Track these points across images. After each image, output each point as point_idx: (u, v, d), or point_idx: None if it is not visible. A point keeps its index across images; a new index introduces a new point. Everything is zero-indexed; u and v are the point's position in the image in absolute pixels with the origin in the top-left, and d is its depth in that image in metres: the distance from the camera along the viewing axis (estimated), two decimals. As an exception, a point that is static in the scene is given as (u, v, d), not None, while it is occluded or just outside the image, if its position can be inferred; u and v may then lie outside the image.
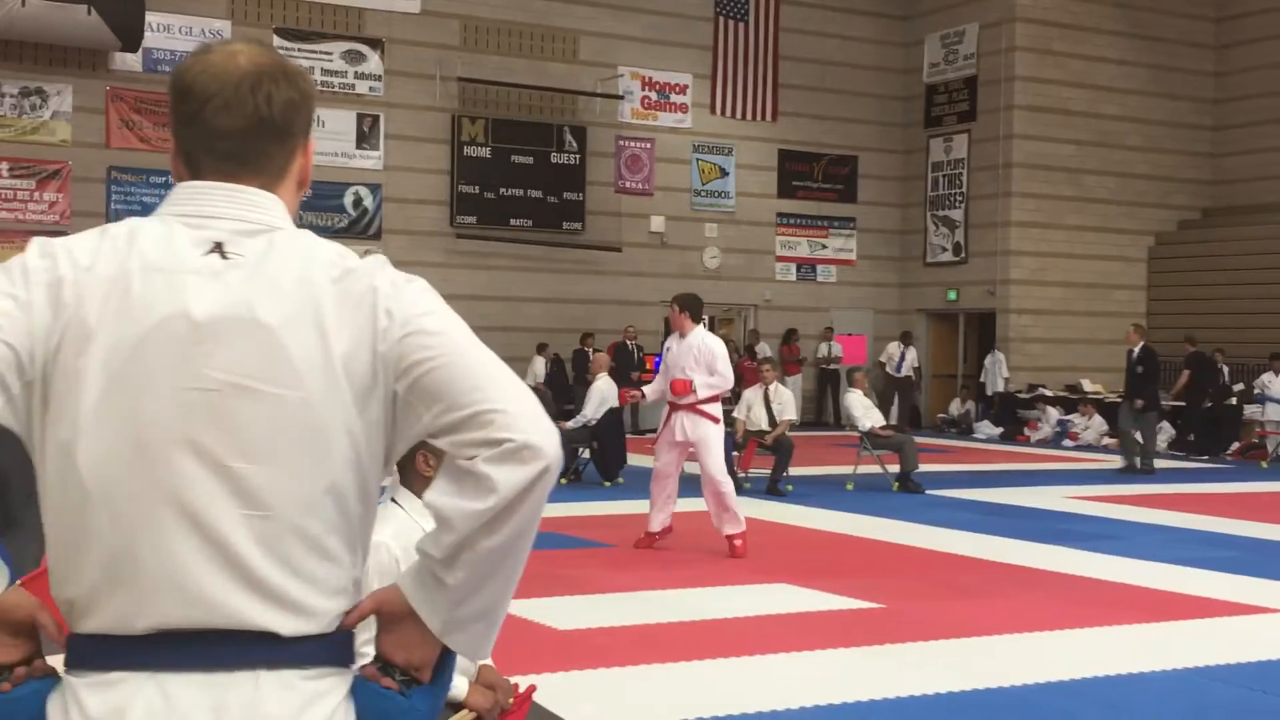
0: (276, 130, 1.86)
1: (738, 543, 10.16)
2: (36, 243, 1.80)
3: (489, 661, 3.80)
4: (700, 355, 10.19)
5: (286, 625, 1.73)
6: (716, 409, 10.32)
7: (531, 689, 3.79)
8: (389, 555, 3.41)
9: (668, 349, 10.50)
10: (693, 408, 10.17)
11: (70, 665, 1.73)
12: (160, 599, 1.70)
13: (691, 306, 10.47)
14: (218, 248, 1.78)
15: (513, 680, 3.82)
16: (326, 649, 1.77)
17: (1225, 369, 22.57)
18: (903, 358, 25.35)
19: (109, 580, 1.71)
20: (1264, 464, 19.74)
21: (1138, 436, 18.11)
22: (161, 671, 1.69)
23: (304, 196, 1.98)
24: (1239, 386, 22.09)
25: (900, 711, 6.07)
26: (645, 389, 10.86)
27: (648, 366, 22.87)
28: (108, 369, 1.71)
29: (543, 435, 1.75)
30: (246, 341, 1.73)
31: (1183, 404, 21.37)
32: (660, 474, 10.39)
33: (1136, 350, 18.11)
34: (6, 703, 1.71)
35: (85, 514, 1.71)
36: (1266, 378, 20.64)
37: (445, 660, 1.85)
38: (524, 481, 1.72)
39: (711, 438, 10.18)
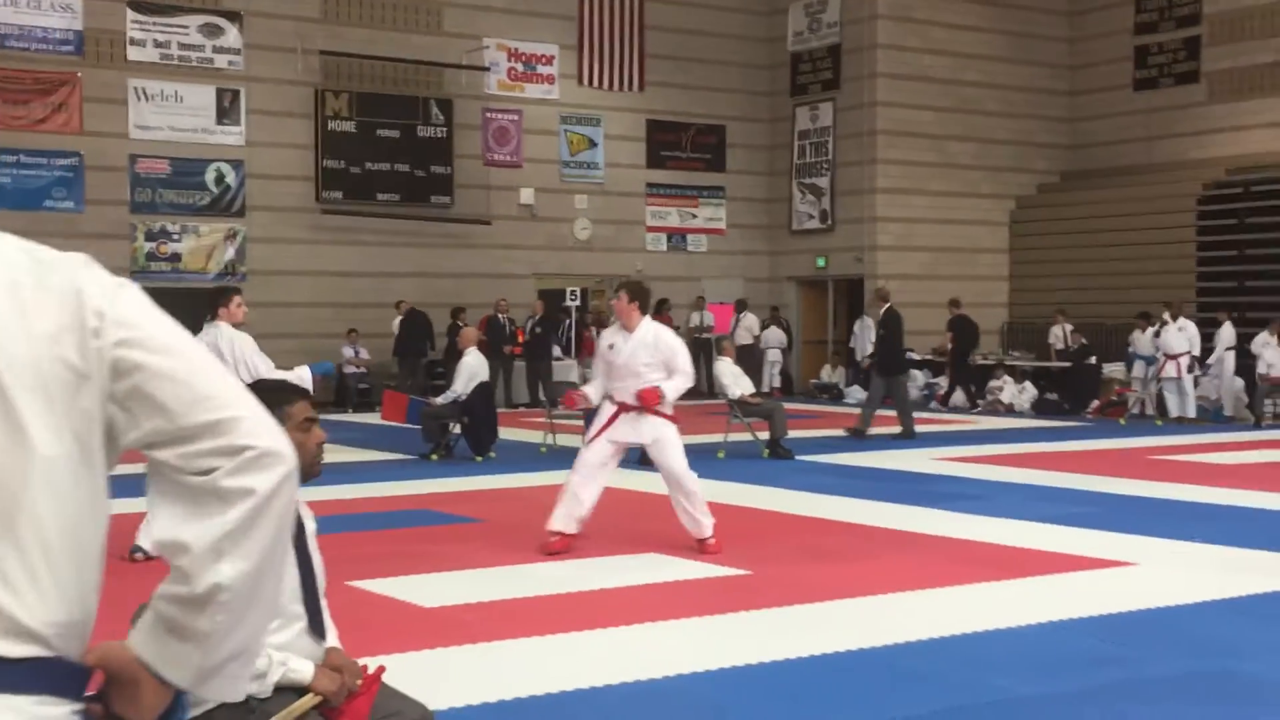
0: None
1: (711, 542, 9.20)
2: None
3: (336, 644, 3.75)
4: (657, 352, 9.15)
5: (11, 649, 1.60)
6: (669, 405, 9.33)
7: (381, 669, 3.75)
8: None
9: (610, 345, 9.26)
10: (648, 409, 9.17)
11: None
12: None
13: (641, 296, 9.35)
14: None
15: (362, 661, 3.78)
16: (55, 677, 1.64)
17: (1068, 329, 23.16)
18: (736, 325, 25.67)
19: None
20: (1122, 420, 20.28)
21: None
22: None
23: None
24: (1083, 343, 22.64)
25: (764, 676, 6.13)
26: (588, 391, 9.53)
27: (519, 339, 22.82)
28: None
29: (280, 440, 1.69)
30: None
31: (943, 360, 23.33)
32: (585, 467, 9.24)
33: (882, 312, 18.25)
34: None
35: None
36: (1135, 335, 21.12)
37: (177, 698, 1.74)
38: (269, 488, 1.65)
39: (670, 436, 9.26)
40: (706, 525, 9.22)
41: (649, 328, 9.27)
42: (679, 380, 9.19)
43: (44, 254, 1.69)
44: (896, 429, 17.42)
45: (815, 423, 19.75)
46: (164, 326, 1.71)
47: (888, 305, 18.17)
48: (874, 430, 17.44)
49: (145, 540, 8.05)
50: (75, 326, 1.65)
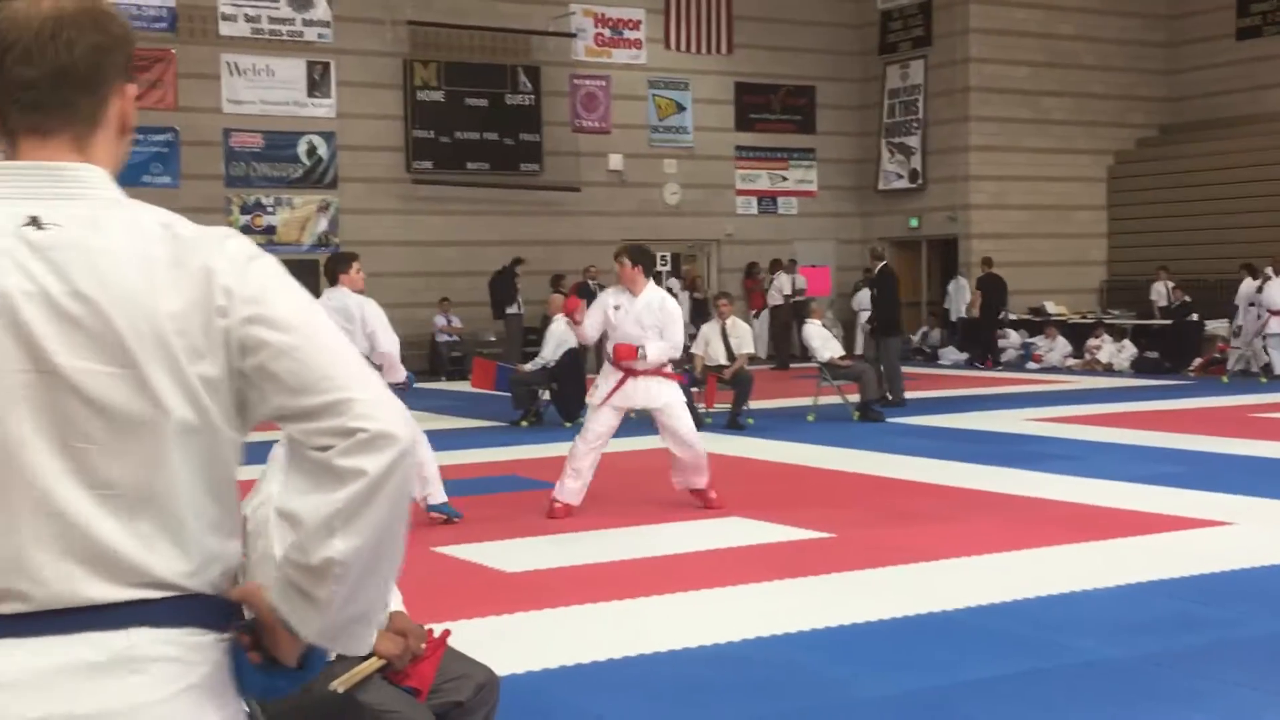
0: (80, 79, 1.77)
1: (712, 494, 9.53)
2: None
3: (400, 608, 3.79)
4: (658, 318, 9.25)
5: (151, 594, 1.70)
6: (670, 368, 9.58)
7: (446, 634, 3.78)
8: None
9: (616, 306, 9.32)
10: (656, 371, 9.31)
11: None
12: (24, 583, 1.67)
13: (645, 260, 9.44)
14: (34, 220, 1.71)
15: (429, 626, 3.81)
16: (201, 611, 1.74)
17: (1170, 285, 22.70)
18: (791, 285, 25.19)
19: None
20: (1224, 379, 19.84)
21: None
22: (31, 637, 1.66)
23: (130, 144, 1.90)
24: (1185, 300, 22.14)
25: (843, 639, 6.10)
26: (585, 325, 9.51)
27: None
28: None
29: (395, 421, 1.72)
30: (72, 318, 1.68)
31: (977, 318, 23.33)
32: (594, 437, 9.30)
33: (877, 270, 17.58)
34: None
35: None
36: (1246, 287, 20.37)
37: (315, 648, 1.83)
38: (381, 469, 1.69)
39: (677, 401, 9.36)
40: (704, 480, 9.47)
41: (655, 294, 9.42)
42: (665, 346, 9.28)
43: (184, 230, 1.75)
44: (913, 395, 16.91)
45: (908, 384, 19.56)
46: (291, 301, 1.76)
47: (883, 264, 17.73)
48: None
49: None
50: (204, 305, 1.71)
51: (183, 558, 1.72)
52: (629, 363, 9.25)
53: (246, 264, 1.75)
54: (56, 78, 1.76)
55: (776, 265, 25.51)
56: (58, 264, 1.69)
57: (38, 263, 1.69)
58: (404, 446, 1.71)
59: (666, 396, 9.32)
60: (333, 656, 3.41)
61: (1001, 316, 23.75)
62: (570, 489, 9.30)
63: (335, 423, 1.69)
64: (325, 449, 1.70)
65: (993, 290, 23.47)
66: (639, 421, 10.51)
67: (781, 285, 25.06)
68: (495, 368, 15.79)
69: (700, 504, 9.50)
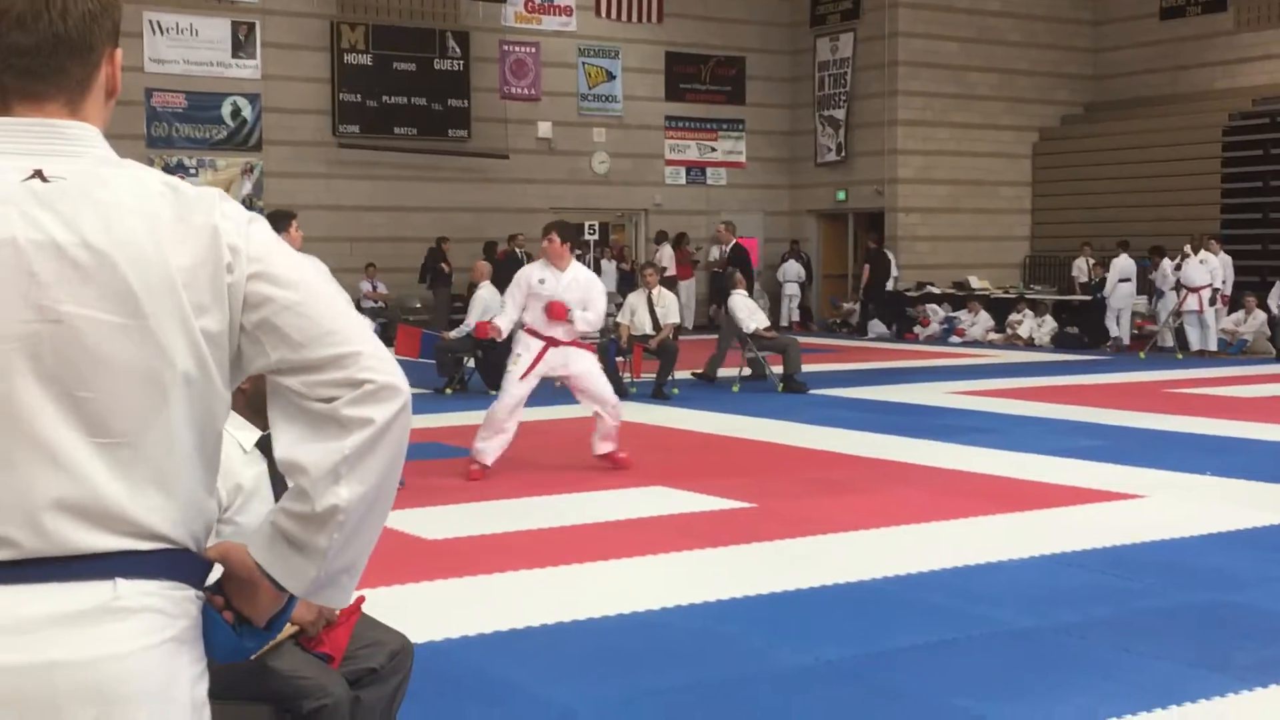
0: (74, 46, 1.79)
1: (622, 454, 9.90)
2: None
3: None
4: (584, 293, 9.67)
5: (140, 545, 1.73)
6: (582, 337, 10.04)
7: (360, 600, 3.74)
8: None
9: (540, 280, 9.63)
10: (573, 341, 9.73)
11: None
12: (14, 529, 1.68)
13: (573, 237, 10.07)
14: (37, 173, 1.73)
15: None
16: (183, 565, 1.77)
17: (1090, 262, 23.04)
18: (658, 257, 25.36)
19: None
20: (1142, 354, 20.15)
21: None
22: (16, 584, 1.68)
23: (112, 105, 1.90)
24: (1105, 277, 22.44)
25: (763, 608, 6.14)
26: (498, 322, 9.88)
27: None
28: None
29: (398, 376, 1.78)
30: (81, 268, 1.70)
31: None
32: (515, 402, 9.59)
33: (727, 248, 17.82)
34: None
35: None
36: (1167, 265, 20.78)
37: (284, 607, 1.86)
38: (386, 418, 1.74)
39: (594, 366, 9.98)
40: (613, 442, 9.87)
41: (578, 269, 9.90)
42: (591, 316, 9.75)
43: (186, 189, 1.80)
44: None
45: (832, 357, 19.69)
46: (291, 261, 1.82)
47: (734, 241, 17.94)
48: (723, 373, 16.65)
49: None
50: (211, 261, 1.76)
51: (172, 510, 1.75)
52: (557, 324, 9.59)
53: (248, 224, 1.81)
54: (51, 44, 1.78)
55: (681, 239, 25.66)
56: (66, 215, 1.72)
57: (45, 213, 1.72)
58: (407, 398, 1.78)
59: (585, 364, 9.82)
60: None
61: (890, 288, 24.80)
62: (489, 449, 9.51)
63: (342, 374, 1.75)
64: (331, 400, 1.74)
65: (879, 265, 24.60)
66: (561, 391, 10.51)
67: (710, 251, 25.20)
68: (420, 335, 15.69)
69: (611, 465, 9.85)
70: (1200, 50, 26.05)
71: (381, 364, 1.77)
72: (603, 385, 9.88)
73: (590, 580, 6.65)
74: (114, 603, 1.69)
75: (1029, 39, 27.16)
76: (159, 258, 1.73)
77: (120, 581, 1.70)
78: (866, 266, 24.78)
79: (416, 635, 3.97)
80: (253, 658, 3.36)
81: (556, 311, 9.55)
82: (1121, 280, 21.21)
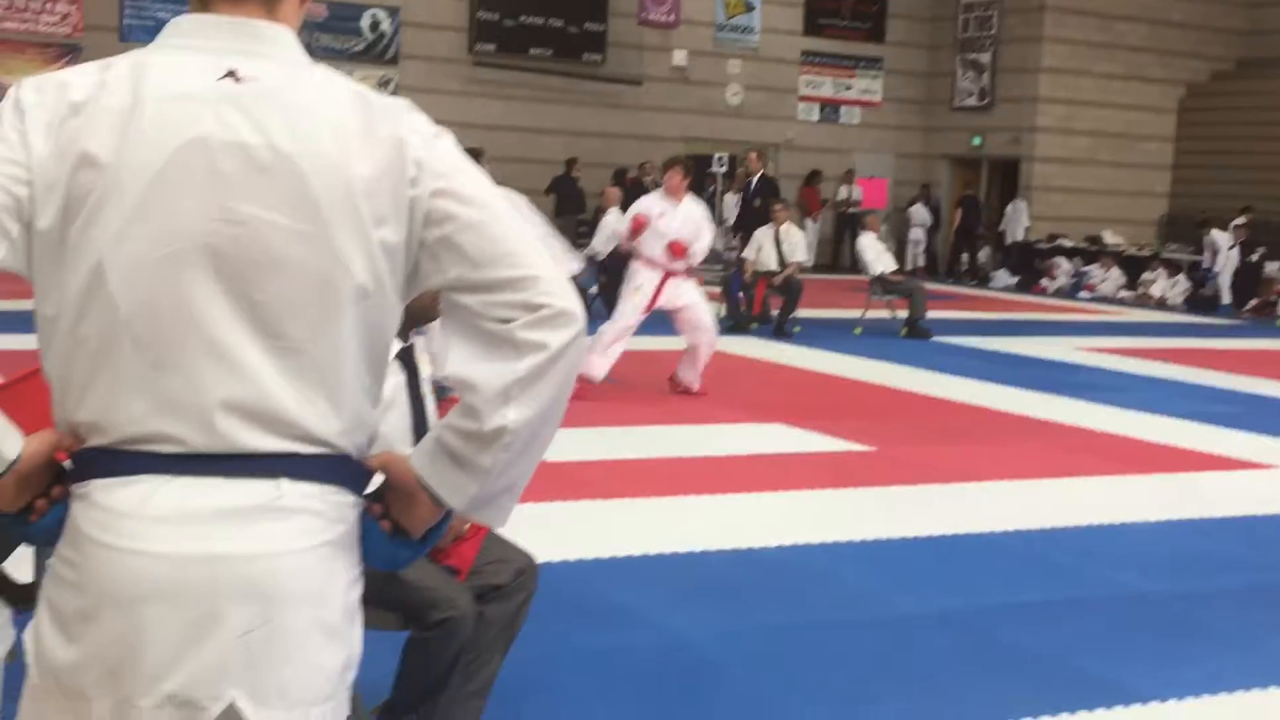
0: None
1: (700, 387, 10.26)
2: (30, 80, 1.76)
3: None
4: (696, 227, 10.11)
5: (306, 449, 1.75)
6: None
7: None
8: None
9: (660, 214, 10.02)
10: (686, 273, 10.15)
11: (83, 475, 1.74)
12: (187, 428, 1.70)
13: (694, 173, 10.55)
14: (231, 73, 1.74)
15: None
16: (345, 471, 1.79)
17: (1218, 234, 22.15)
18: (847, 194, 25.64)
19: (137, 404, 1.71)
20: (1277, 322, 19.58)
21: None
22: (186, 476, 1.71)
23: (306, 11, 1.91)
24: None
25: (875, 552, 6.10)
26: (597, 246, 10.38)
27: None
28: (128, 198, 1.68)
29: (574, 302, 1.77)
30: (267, 171, 1.71)
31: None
32: (625, 330, 10.03)
33: (754, 180, 16.81)
34: (37, 531, 1.77)
35: (111, 340, 1.70)
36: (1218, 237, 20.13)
37: (440, 522, 1.87)
38: (561, 344, 1.74)
39: (701, 296, 10.32)
40: (698, 373, 10.26)
41: (691, 203, 10.33)
42: (699, 249, 10.15)
43: (374, 99, 1.79)
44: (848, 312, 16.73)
45: (957, 304, 19.42)
46: (475, 178, 1.80)
47: (762, 172, 17.39)
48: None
49: None
50: (394, 173, 1.75)
51: (336, 417, 1.76)
52: (675, 260, 10.01)
53: (434, 139, 1.79)
54: None
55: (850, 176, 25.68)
56: (256, 117, 1.72)
57: (236, 114, 1.72)
58: (581, 326, 1.77)
59: (695, 294, 10.22)
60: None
61: (980, 233, 25.14)
62: (600, 364, 9.80)
63: (519, 296, 1.74)
64: (507, 321, 1.74)
65: (970, 212, 25.07)
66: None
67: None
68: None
69: (684, 393, 10.22)
70: (1365, 10, 25.02)
71: (559, 289, 1.76)
72: (708, 315, 10.25)
73: (710, 513, 6.66)
74: (276, 502, 1.71)
75: (1183, -11, 26.29)
76: (343, 166, 1.72)
77: (284, 481, 1.72)
78: (958, 211, 25.11)
79: (537, 555, 3.99)
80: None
81: (678, 250, 9.96)
82: None
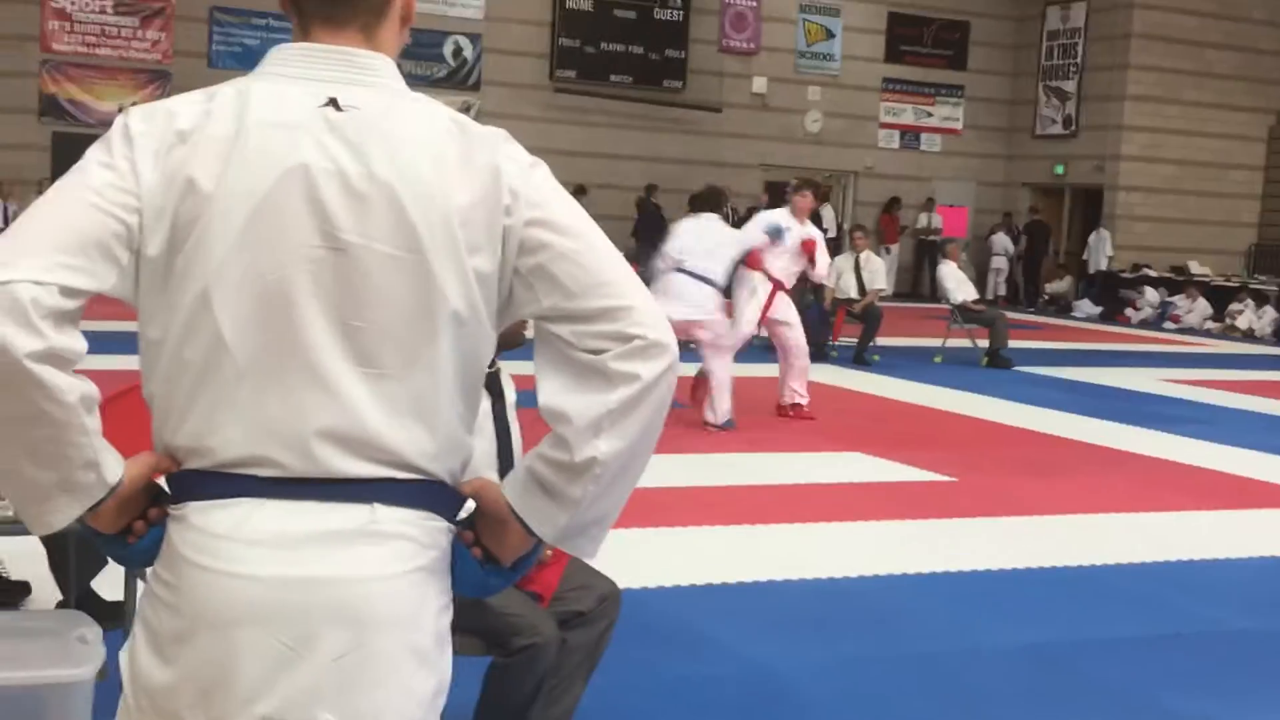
0: None
1: (807, 408, 10.41)
2: (138, 109, 1.78)
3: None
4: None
5: (400, 474, 1.75)
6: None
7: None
8: None
9: (788, 229, 10.34)
10: (790, 289, 10.54)
11: (181, 498, 1.76)
12: (284, 453, 1.71)
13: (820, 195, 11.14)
14: (332, 101, 1.75)
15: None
16: (438, 497, 1.79)
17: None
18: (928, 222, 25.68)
19: (235, 429, 1.72)
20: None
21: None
22: (281, 500, 1.72)
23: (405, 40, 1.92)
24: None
25: (965, 585, 6.01)
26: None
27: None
28: (232, 225, 1.70)
29: (667, 332, 1.75)
30: (366, 199, 1.71)
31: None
32: (744, 340, 10.32)
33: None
34: (135, 553, 1.79)
35: (213, 365, 1.71)
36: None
37: (531, 551, 1.87)
38: (653, 376, 1.72)
39: (797, 318, 10.51)
40: (804, 394, 10.42)
41: (813, 227, 10.70)
42: (822, 263, 10.68)
43: (473, 128, 1.80)
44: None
45: (1039, 334, 19.19)
46: (570, 208, 1.80)
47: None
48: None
49: None
50: (491, 203, 1.75)
51: (431, 443, 1.76)
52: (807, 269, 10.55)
53: (530, 168, 1.80)
54: None
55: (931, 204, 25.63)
56: (356, 145, 1.73)
57: (336, 142, 1.73)
58: (674, 358, 1.75)
59: (793, 312, 10.46)
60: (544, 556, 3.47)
61: (1047, 258, 25.36)
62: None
63: (612, 327, 1.73)
64: (600, 352, 1.72)
65: (1037, 236, 25.42)
66: (764, 349, 10.55)
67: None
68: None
69: (793, 416, 10.35)
70: None
71: (652, 320, 1.74)
72: (803, 333, 10.53)
73: (790, 542, 6.61)
74: (371, 526, 1.71)
75: (1273, 16, 25.87)
76: (441, 194, 1.73)
77: (378, 506, 1.72)
78: (1025, 237, 25.24)
79: (621, 582, 3.97)
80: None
81: (809, 247, 10.36)
82: None
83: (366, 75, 1.79)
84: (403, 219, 1.71)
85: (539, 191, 1.78)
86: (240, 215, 1.70)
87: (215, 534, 1.70)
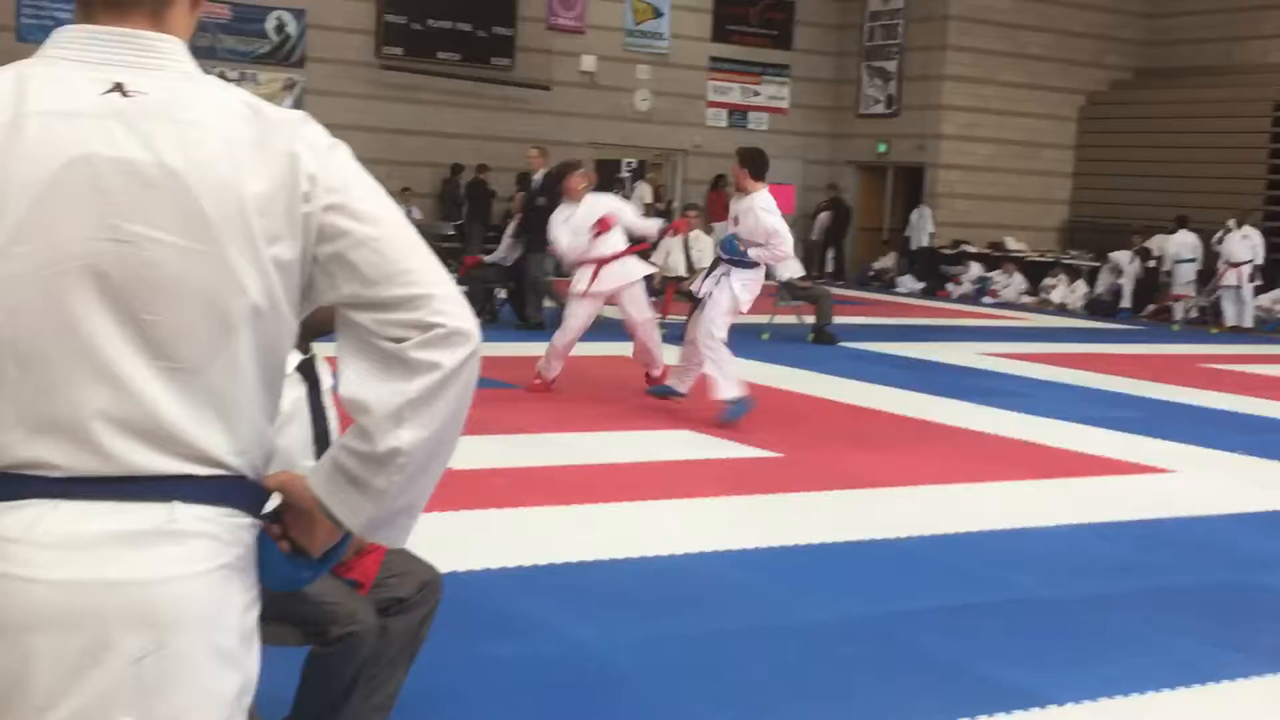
0: None
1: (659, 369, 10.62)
2: None
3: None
4: (608, 207, 10.72)
5: (200, 470, 1.72)
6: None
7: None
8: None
9: (565, 219, 10.60)
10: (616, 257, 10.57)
11: None
12: (74, 451, 1.66)
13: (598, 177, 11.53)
14: (118, 87, 1.69)
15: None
16: (240, 493, 1.76)
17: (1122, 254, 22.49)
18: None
19: (19, 429, 1.66)
20: (1175, 327, 20.00)
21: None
22: (75, 500, 1.66)
23: (199, 15, 1.86)
24: (1145, 247, 22.18)
25: (783, 559, 6.13)
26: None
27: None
28: (9, 218, 1.63)
29: (470, 320, 1.75)
30: (155, 189, 1.66)
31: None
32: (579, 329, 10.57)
33: (539, 178, 14.81)
34: None
35: None
36: (1182, 238, 20.72)
37: (339, 542, 1.86)
38: (455, 364, 1.71)
39: (639, 280, 10.73)
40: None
41: (594, 197, 10.81)
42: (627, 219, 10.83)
43: (268, 111, 1.76)
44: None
45: (864, 310, 19.60)
46: (371, 193, 1.78)
47: (543, 169, 15.02)
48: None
49: None
50: (287, 189, 1.71)
51: (232, 437, 1.73)
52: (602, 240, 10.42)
53: (329, 152, 1.77)
54: None
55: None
56: (143, 132, 1.68)
57: (123, 129, 1.68)
58: (476, 345, 1.75)
59: (633, 274, 10.56)
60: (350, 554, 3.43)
61: (925, 244, 25.22)
62: (555, 367, 10.38)
63: (413, 315, 1.71)
64: (400, 340, 1.71)
65: (838, 214, 26.04)
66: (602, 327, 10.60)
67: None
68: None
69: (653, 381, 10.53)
70: (1256, 22, 25.61)
71: (454, 308, 1.74)
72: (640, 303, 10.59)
73: (616, 521, 6.65)
74: (170, 525, 1.68)
75: (1084, 0, 26.76)
76: (234, 182, 1.69)
77: (177, 505, 1.69)
78: (828, 213, 25.84)
79: (442, 565, 3.96)
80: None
81: (606, 224, 10.41)
82: (1179, 262, 20.76)
83: (154, 59, 1.73)
84: (194, 209, 1.67)
85: (338, 176, 1.75)
86: (19, 208, 1.64)
87: (6, 538, 1.65)
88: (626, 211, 10.75)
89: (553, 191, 15.05)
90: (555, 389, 10.39)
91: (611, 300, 10.49)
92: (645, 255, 14.49)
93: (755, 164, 9.95)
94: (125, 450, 1.67)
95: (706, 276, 9.98)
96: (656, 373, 10.51)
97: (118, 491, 1.67)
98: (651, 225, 10.83)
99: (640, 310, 10.46)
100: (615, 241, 10.44)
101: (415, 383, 1.70)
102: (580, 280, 10.38)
